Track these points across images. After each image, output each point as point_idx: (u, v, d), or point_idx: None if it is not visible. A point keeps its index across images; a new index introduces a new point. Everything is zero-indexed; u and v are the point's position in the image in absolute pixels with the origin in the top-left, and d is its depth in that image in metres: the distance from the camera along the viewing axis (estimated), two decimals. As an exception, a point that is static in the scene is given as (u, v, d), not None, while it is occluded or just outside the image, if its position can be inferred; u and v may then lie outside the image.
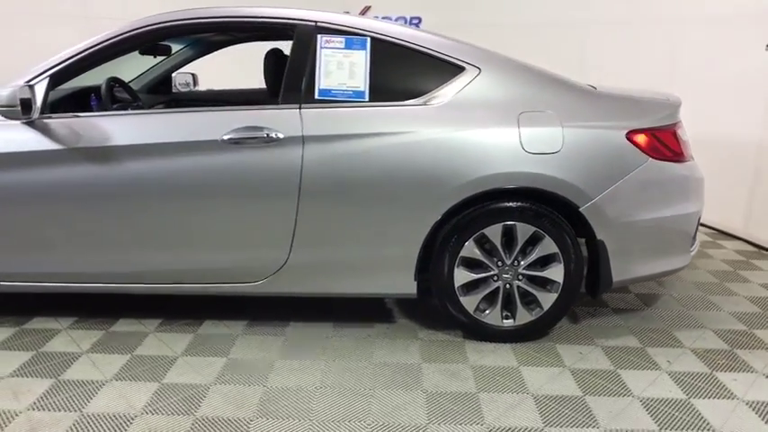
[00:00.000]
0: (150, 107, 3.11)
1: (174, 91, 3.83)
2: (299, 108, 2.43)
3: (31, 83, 2.41)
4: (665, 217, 2.54)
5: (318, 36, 2.48)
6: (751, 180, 3.99)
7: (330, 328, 2.74)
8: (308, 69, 2.46)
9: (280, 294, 2.61)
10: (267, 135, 2.37)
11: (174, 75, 3.77)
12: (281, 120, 2.40)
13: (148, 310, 2.84)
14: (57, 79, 2.48)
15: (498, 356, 2.51)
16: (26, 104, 2.26)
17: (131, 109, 2.81)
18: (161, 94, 3.65)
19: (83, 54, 2.47)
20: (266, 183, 2.40)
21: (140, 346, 2.55)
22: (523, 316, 2.57)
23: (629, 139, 2.46)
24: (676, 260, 2.65)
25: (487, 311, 2.57)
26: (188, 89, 3.97)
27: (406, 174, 2.39)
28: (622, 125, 2.48)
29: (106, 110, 2.68)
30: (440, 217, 2.43)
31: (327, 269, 2.53)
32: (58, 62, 2.46)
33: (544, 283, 2.55)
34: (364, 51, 2.48)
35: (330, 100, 2.45)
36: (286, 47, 2.71)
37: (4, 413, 2.06)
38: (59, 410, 2.08)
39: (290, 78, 2.47)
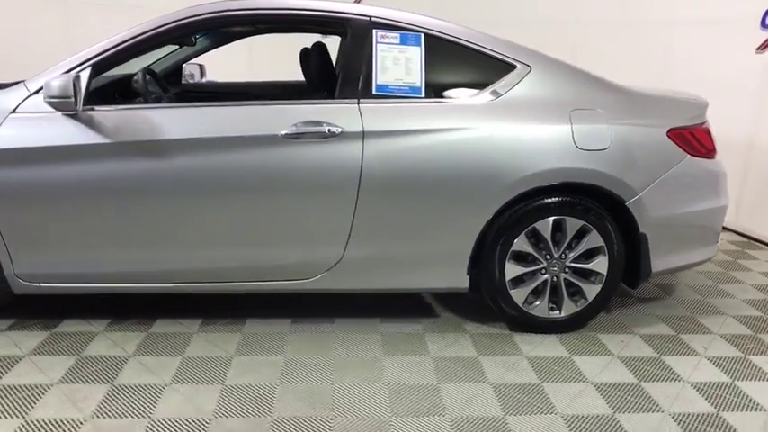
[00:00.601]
0: (180, 99, 3.00)
1: (183, 82, 3.71)
2: (358, 103, 2.41)
3: (74, 73, 2.29)
4: (700, 210, 2.68)
5: (373, 31, 2.47)
6: (740, 176, 4.24)
7: (377, 323, 2.74)
8: (364, 64, 2.44)
9: (333, 291, 2.59)
10: (328, 130, 2.34)
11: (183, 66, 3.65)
12: (340, 115, 2.38)
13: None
14: (98, 69, 2.36)
15: (548, 347, 2.58)
16: (76, 95, 2.15)
17: (165, 101, 2.70)
18: (171, 84, 3.52)
19: (126, 44, 2.36)
20: (325, 178, 2.37)
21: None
22: (569, 307, 2.66)
23: (669, 136, 2.58)
24: (706, 251, 2.80)
25: (536, 303, 2.64)
26: (193, 80, 3.85)
27: (464, 169, 2.42)
28: (663, 123, 2.59)
29: (146, 101, 2.57)
30: (495, 212, 2.47)
31: (382, 265, 2.53)
32: (100, 51, 2.34)
33: (588, 275, 2.64)
34: (419, 47, 2.48)
35: (387, 95, 2.44)
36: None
37: (68, 422, 1.96)
38: (125, 417, 2.00)
39: (346, 73, 2.45)
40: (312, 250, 2.47)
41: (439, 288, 2.66)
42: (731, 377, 2.39)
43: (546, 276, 2.61)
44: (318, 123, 2.36)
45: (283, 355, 2.44)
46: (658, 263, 2.67)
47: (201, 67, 3.96)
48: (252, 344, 2.51)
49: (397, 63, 2.46)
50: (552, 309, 2.66)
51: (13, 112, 2.28)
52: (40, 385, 2.13)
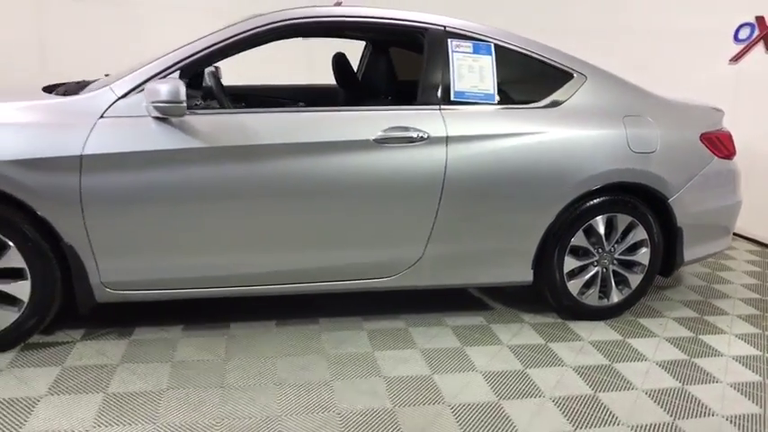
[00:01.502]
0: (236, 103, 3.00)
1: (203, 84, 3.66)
2: (440, 109, 2.54)
3: (161, 77, 2.28)
4: (723, 206, 3.02)
5: (449, 40, 2.61)
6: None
7: (442, 316, 2.89)
8: (442, 72, 2.58)
9: (409, 288, 2.71)
10: (416, 135, 2.46)
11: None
12: (425, 120, 2.50)
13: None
14: (186, 72, 2.35)
15: (603, 332, 2.83)
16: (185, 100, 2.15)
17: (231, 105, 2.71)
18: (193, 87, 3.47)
19: (214, 48, 2.37)
20: (412, 181, 2.49)
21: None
22: (615, 295, 2.92)
23: (701, 140, 2.90)
24: (724, 241, 3.16)
25: (588, 293, 2.88)
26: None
27: (536, 171, 2.61)
28: (696, 129, 2.91)
29: (222, 104, 2.56)
30: (561, 210, 2.68)
31: (456, 262, 2.68)
32: (188, 55, 2.34)
33: (632, 266, 2.91)
34: (490, 56, 2.65)
35: (464, 102, 2.59)
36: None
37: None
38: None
39: (426, 80, 2.57)
40: (395, 249, 2.58)
41: (505, 282, 2.83)
42: (761, 351, 2.74)
43: (597, 268, 2.86)
44: (406, 129, 2.47)
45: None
46: (688, 253, 2.99)
47: (217, 68, 3.92)
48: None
49: (471, 71, 2.61)
50: (601, 297, 2.92)
51: (102, 116, 2.23)
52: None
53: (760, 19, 4.35)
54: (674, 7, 4.81)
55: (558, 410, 2.17)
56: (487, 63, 2.64)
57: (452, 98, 2.58)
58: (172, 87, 2.11)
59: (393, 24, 2.60)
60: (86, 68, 5.51)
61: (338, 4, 6.36)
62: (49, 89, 2.72)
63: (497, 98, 2.63)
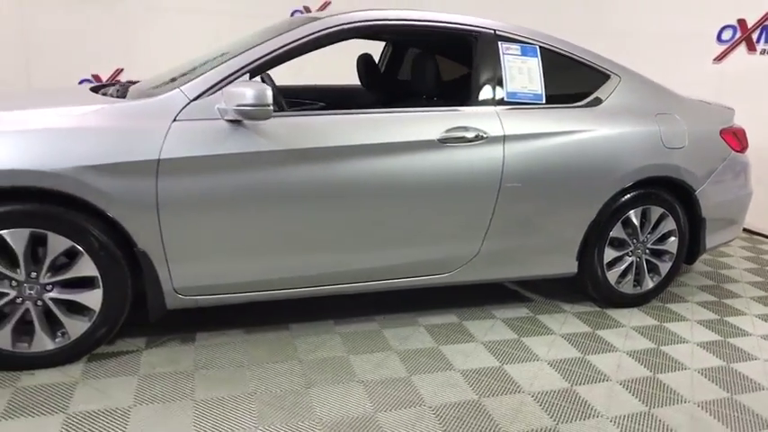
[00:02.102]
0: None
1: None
2: (495, 109, 2.63)
3: (231, 79, 2.27)
4: (738, 196, 3.25)
5: (499, 43, 2.70)
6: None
7: (493, 309, 2.98)
8: (494, 73, 2.67)
9: (465, 283, 2.78)
10: (476, 135, 2.54)
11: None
12: (483, 120, 2.59)
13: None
14: (254, 74, 2.34)
15: (641, 318, 3.00)
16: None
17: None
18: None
19: (281, 51, 2.36)
20: (472, 179, 2.57)
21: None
22: (648, 283, 3.09)
23: (721, 136, 3.11)
24: (737, 229, 3.40)
25: (624, 282, 3.04)
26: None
27: (584, 166, 2.75)
28: (716, 125, 3.12)
29: (280, 107, 2.56)
30: (604, 203, 2.83)
31: (509, 257, 2.78)
32: (257, 57, 2.33)
33: (662, 255, 3.09)
34: (536, 58, 2.76)
35: (516, 102, 2.69)
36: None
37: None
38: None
39: (480, 82, 2.65)
40: (455, 246, 2.65)
41: (553, 274, 2.95)
42: (782, 329, 2.98)
43: (632, 258, 3.02)
44: (466, 128, 2.54)
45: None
46: (708, 241, 3.20)
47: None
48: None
49: (521, 72, 2.71)
50: (635, 285, 3.08)
51: (175, 120, 2.20)
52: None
53: (741, 21, 4.67)
54: (661, 10, 5.08)
55: (628, 393, 2.30)
56: (534, 65, 2.75)
57: (505, 98, 2.67)
58: (258, 91, 2.10)
59: (448, 28, 2.66)
60: (72, 68, 5.33)
61: (327, 4, 6.36)
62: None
63: (545, 98, 2.75)
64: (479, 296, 3.10)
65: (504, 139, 2.60)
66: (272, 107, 2.14)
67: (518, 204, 2.68)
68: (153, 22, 5.84)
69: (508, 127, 2.61)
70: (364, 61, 3.53)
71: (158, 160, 2.14)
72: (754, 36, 4.60)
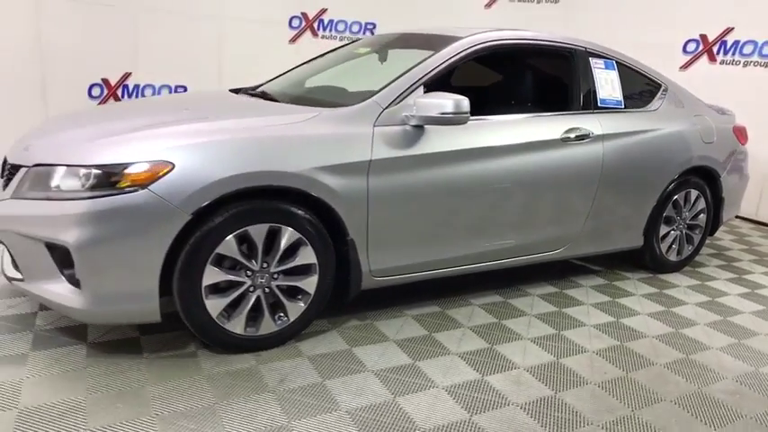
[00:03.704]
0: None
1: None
2: (593, 113, 3.21)
3: (411, 91, 2.66)
4: (742, 179, 4.09)
5: (590, 59, 3.28)
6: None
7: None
8: (589, 84, 3.25)
9: (569, 258, 3.35)
10: (586, 135, 3.11)
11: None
12: (587, 122, 3.16)
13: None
14: (428, 86, 2.73)
15: (687, 280, 3.72)
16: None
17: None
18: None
19: (444, 64, 2.78)
20: (583, 171, 3.13)
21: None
22: (686, 252, 3.84)
23: (733, 131, 3.92)
24: (738, 207, 4.24)
25: (672, 250, 3.75)
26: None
27: (653, 159, 3.41)
28: (730, 123, 3.93)
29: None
30: (664, 188, 3.51)
31: (599, 234, 3.38)
32: (428, 72, 2.73)
33: (695, 229, 3.85)
34: (615, 71, 3.38)
35: (605, 107, 3.29)
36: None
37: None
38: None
39: (582, 90, 3.22)
40: (565, 226, 3.21)
41: (627, 247, 3.58)
42: (785, 281, 3.83)
43: (677, 232, 3.74)
44: (578, 129, 3.11)
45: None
46: (723, 216, 4.01)
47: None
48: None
49: (607, 83, 3.32)
50: (678, 254, 3.81)
51: (375, 125, 2.55)
52: None
53: (703, 36, 5.63)
54: (635, 25, 5.95)
55: (603, 359, 2.98)
56: (615, 76, 3.37)
57: (599, 104, 3.26)
58: (458, 102, 2.51)
59: (557, 47, 3.22)
60: (83, 75, 5.29)
61: (323, 11, 6.67)
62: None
63: (623, 104, 3.38)
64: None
65: (603, 137, 3.19)
66: (468, 114, 2.56)
67: (609, 191, 3.29)
68: (157, 26, 5.86)
69: (605, 127, 3.21)
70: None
71: (370, 161, 2.49)
72: (715, 49, 5.57)
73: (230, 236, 2.27)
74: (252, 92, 3.28)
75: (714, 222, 3.97)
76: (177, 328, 2.50)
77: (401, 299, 3.05)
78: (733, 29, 5.42)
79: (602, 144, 3.19)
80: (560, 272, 3.66)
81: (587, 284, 3.52)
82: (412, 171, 2.61)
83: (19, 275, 2.33)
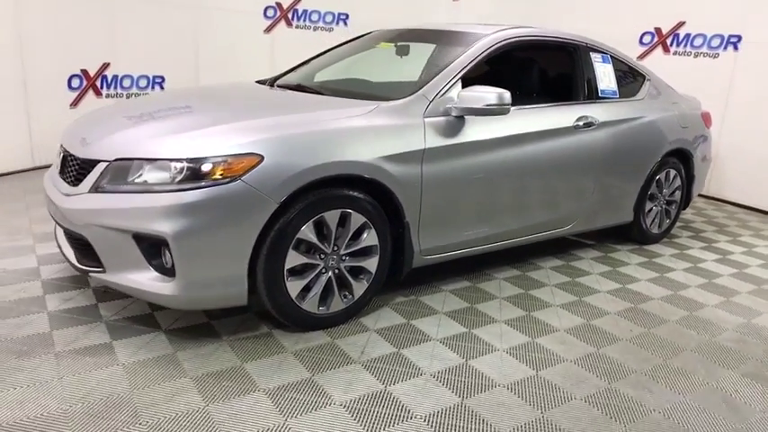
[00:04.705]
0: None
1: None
2: (595, 102, 3.57)
3: (451, 84, 2.90)
4: (707, 159, 4.61)
5: (590, 53, 3.63)
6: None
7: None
8: (591, 76, 3.60)
9: (578, 233, 3.70)
10: (592, 122, 3.46)
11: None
12: (593, 111, 3.51)
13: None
14: (464, 80, 2.97)
15: (668, 249, 4.19)
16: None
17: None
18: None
19: (476, 60, 3.03)
20: (589, 154, 3.49)
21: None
22: (665, 225, 4.31)
23: (701, 117, 4.42)
24: (702, 185, 4.76)
25: (654, 224, 4.21)
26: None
27: (644, 143, 3.83)
28: (698, 110, 4.42)
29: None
30: (650, 168, 3.94)
31: (600, 210, 3.76)
32: (463, 67, 2.97)
33: (671, 204, 4.32)
34: (610, 64, 3.75)
35: (604, 97, 3.65)
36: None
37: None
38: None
39: (586, 82, 3.56)
40: (573, 204, 3.56)
41: (620, 223, 3.99)
42: None
43: (658, 207, 4.20)
44: (586, 117, 3.45)
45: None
46: (693, 193, 4.52)
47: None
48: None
49: (604, 75, 3.68)
50: (658, 227, 4.28)
51: (424, 116, 2.77)
52: None
53: (658, 29, 6.18)
54: (594, 18, 6.42)
55: (576, 338, 3.43)
56: (610, 69, 3.74)
57: (599, 95, 3.62)
58: (501, 93, 2.76)
59: (563, 42, 3.54)
60: (63, 66, 5.17)
61: (297, 1, 6.73)
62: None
63: (618, 94, 3.76)
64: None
65: (604, 124, 3.55)
66: (510, 106, 2.82)
67: (609, 172, 3.67)
68: (135, 16, 5.76)
69: (605, 116, 3.58)
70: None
71: (424, 149, 2.72)
72: (668, 41, 6.13)
73: (310, 222, 2.44)
74: (284, 85, 3.41)
75: (687, 198, 4.46)
76: (239, 312, 2.65)
77: (435, 276, 3.31)
78: (685, 23, 5.99)
79: (604, 130, 3.56)
80: (561, 247, 4.03)
81: (587, 257, 3.91)
82: (458, 158, 2.85)
83: (98, 267, 2.40)
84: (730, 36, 5.67)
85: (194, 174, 2.23)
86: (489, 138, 2.97)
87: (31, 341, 2.38)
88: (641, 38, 6.31)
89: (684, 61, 6.01)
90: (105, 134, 2.54)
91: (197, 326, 2.61)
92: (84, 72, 5.54)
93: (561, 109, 3.40)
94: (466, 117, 2.90)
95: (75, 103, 5.53)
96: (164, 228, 2.19)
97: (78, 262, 2.52)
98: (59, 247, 2.73)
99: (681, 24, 6.02)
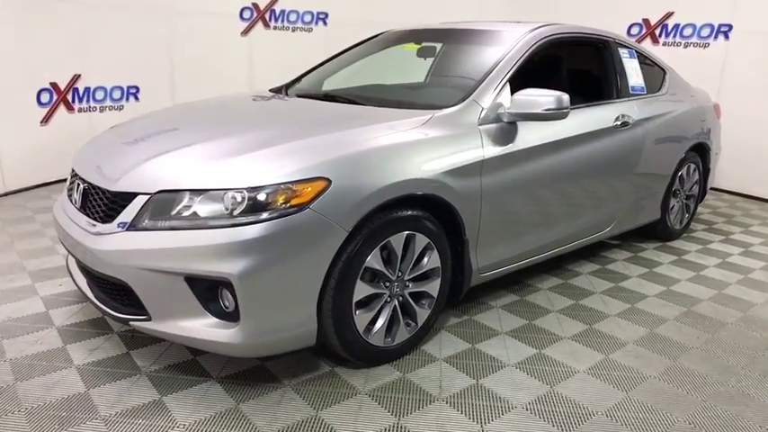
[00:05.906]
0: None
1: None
2: (629, 99, 3.46)
3: (500, 88, 2.71)
4: (718, 149, 4.60)
5: (619, 49, 3.52)
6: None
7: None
8: (623, 73, 3.49)
9: (612, 236, 3.59)
10: (630, 120, 3.35)
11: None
12: (628, 108, 3.40)
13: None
14: (511, 83, 2.79)
15: (693, 245, 4.15)
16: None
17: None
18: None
19: (519, 62, 2.85)
20: (629, 153, 3.39)
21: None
22: (686, 219, 4.27)
23: (714, 109, 4.40)
24: (714, 178, 4.76)
25: (676, 219, 4.15)
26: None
27: (672, 139, 3.75)
28: (710, 102, 4.39)
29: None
30: (675, 165, 3.87)
31: (635, 210, 3.65)
32: (509, 70, 2.78)
33: (690, 198, 4.27)
34: (636, 59, 3.65)
35: (634, 94, 3.55)
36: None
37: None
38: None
39: (619, 79, 3.44)
40: (614, 206, 3.44)
41: (650, 221, 3.90)
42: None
43: (679, 204, 4.15)
44: (625, 116, 3.33)
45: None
46: (707, 186, 4.50)
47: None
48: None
49: (633, 71, 3.58)
50: (680, 222, 4.23)
51: (479, 125, 2.58)
52: None
53: (646, 20, 6.17)
54: (581, 11, 6.37)
55: (570, 324, 3.38)
56: (637, 65, 3.64)
57: (630, 91, 3.51)
58: (560, 96, 2.58)
59: (595, 38, 3.41)
60: (30, 78, 4.72)
61: (274, 2, 6.41)
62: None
63: (646, 90, 3.66)
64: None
65: (639, 122, 3.45)
66: (569, 109, 2.65)
67: (643, 171, 3.57)
68: (104, 24, 5.32)
69: (639, 113, 3.47)
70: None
71: (482, 160, 2.52)
72: (657, 32, 6.13)
73: (377, 248, 2.21)
74: (307, 94, 3.15)
75: (703, 192, 4.44)
76: (291, 351, 2.39)
77: (478, 291, 3.13)
78: (673, 13, 6.00)
79: (639, 128, 3.45)
80: (590, 249, 3.92)
81: (619, 258, 3.81)
82: (514, 166, 2.67)
83: (141, 315, 2.10)
84: (721, 25, 5.71)
85: (256, 204, 1.97)
86: (542, 143, 2.80)
87: (69, 404, 2.06)
88: (629, 29, 6.29)
89: (674, 52, 6.02)
90: (137, 162, 2.23)
91: (250, 370, 2.34)
92: (54, 85, 5.08)
93: (601, 108, 3.27)
94: (518, 123, 2.72)
95: (45, 120, 5.07)
96: (226, 268, 1.91)
97: (112, 308, 2.21)
98: (78, 287, 2.41)
99: (669, 15, 6.03)
